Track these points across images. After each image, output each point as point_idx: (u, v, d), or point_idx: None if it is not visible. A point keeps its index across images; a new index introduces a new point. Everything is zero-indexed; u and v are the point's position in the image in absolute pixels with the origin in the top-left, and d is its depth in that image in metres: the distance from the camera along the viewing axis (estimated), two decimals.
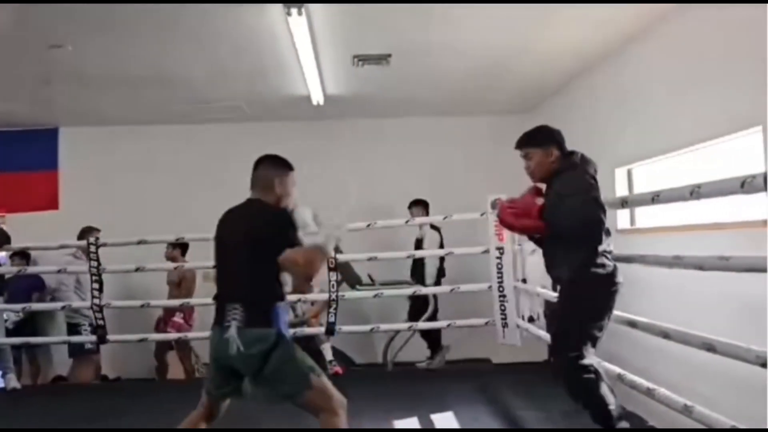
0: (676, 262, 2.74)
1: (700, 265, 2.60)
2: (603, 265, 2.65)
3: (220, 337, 2.44)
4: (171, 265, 5.74)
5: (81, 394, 5.14)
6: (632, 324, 3.19)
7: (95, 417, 4.05)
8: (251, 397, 2.55)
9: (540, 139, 2.88)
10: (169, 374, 6.27)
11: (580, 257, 2.65)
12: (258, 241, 2.47)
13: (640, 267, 3.20)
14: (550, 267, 2.88)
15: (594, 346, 2.68)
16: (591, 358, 2.66)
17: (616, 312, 3.31)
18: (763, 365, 2.23)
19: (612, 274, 2.68)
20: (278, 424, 3.46)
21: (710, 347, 2.53)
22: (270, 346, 2.40)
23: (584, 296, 2.67)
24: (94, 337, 5.19)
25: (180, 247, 5.86)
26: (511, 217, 2.79)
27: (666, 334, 2.86)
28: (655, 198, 2.85)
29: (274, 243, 2.43)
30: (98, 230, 5.42)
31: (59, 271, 5.33)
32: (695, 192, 2.45)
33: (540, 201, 2.74)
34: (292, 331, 5.34)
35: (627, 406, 3.87)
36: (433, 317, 5.66)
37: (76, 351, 5.57)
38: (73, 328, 5.49)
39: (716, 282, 2.88)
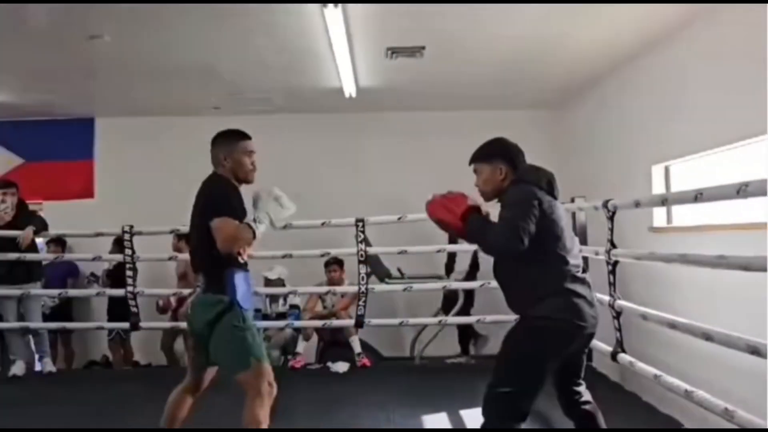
0: (719, 262, 2.66)
1: (746, 265, 2.51)
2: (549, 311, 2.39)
3: (192, 303, 2.67)
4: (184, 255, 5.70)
5: (113, 379, 5.25)
6: (672, 326, 3.12)
7: (127, 401, 4.12)
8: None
9: (487, 154, 2.63)
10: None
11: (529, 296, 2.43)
12: (203, 212, 2.61)
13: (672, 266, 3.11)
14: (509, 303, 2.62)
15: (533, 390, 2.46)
16: (524, 402, 2.43)
17: (654, 312, 3.24)
18: None
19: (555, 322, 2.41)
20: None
21: (755, 350, 2.45)
22: (220, 311, 2.54)
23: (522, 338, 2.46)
24: (127, 324, 5.27)
25: (185, 238, 5.86)
26: (438, 204, 2.64)
27: (708, 336, 2.78)
28: (699, 196, 2.76)
29: (206, 216, 2.57)
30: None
31: (94, 259, 5.44)
32: (742, 190, 2.37)
33: (468, 198, 2.57)
34: (320, 323, 5.44)
35: (663, 408, 3.82)
36: (465, 312, 5.63)
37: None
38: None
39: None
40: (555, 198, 2.47)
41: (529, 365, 2.36)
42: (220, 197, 2.61)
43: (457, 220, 2.52)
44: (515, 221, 2.31)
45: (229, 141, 2.77)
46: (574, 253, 2.45)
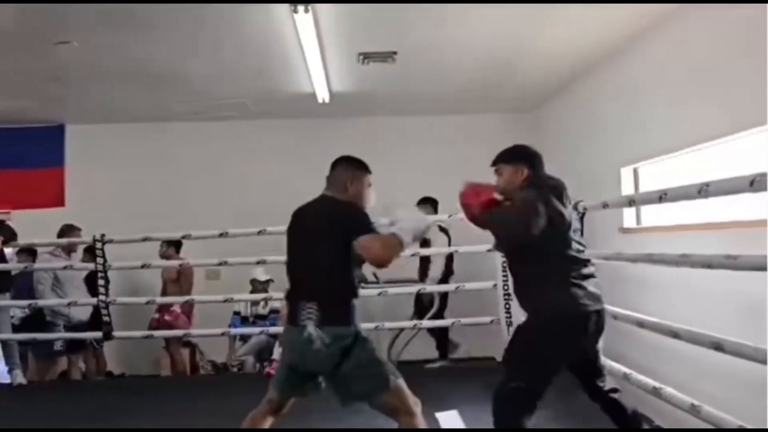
0: (683, 261, 2.72)
1: (708, 263, 2.58)
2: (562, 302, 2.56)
3: (298, 336, 2.41)
4: (176, 262, 5.75)
5: (86, 390, 5.17)
6: (640, 324, 3.18)
7: (99, 414, 4.07)
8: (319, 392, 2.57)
9: (511, 156, 2.81)
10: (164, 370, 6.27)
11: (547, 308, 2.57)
12: (332, 235, 2.44)
13: (647, 266, 3.17)
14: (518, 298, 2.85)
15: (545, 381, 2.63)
16: (535, 393, 2.59)
17: (624, 311, 3.31)
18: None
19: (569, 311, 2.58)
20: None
21: (718, 346, 2.51)
22: (349, 343, 2.40)
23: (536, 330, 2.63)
24: (100, 334, 5.19)
25: (174, 245, 5.87)
26: (471, 192, 2.79)
27: (675, 334, 2.85)
28: (663, 196, 2.83)
29: (347, 235, 2.41)
30: (79, 229, 5.42)
31: (65, 268, 5.36)
32: (703, 190, 2.43)
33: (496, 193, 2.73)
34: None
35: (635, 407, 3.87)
36: (439, 316, 5.65)
37: (42, 353, 5.57)
38: (48, 327, 5.49)
39: (718, 280, 2.86)
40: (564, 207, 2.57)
41: (544, 359, 2.49)
42: (361, 216, 2.50)
43: (481, 204, 2.68)
44: (533, 202, 2.44)
45: (359, 170, 2.72)
46: (581, 250, 2.60)
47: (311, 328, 2.37)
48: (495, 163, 2.87)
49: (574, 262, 2.53)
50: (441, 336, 5.88)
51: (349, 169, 2.70)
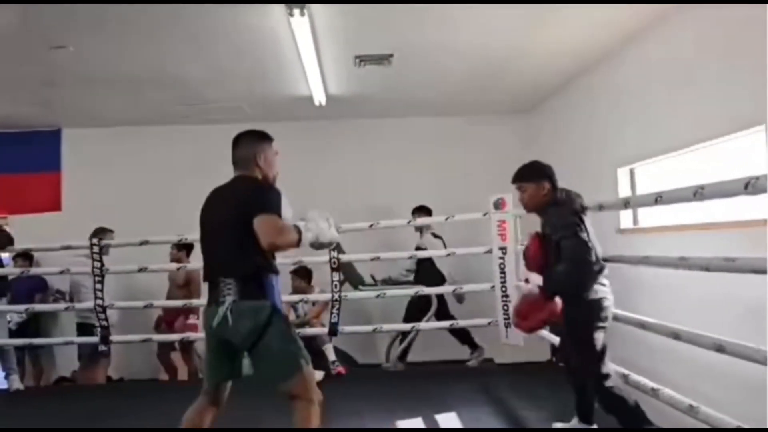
0: (681, 263, 2.73)
1: (706, 266, 2.59)
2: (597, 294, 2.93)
3: (216, 313, 2.45)
4: (173, 265, 5.73)
5: (84, 395, 5.14)
6: (642, 325, 3.18)
7: (97, 418, 4.05)
8: (247, 372, 2.54)
9: (533, 174, 3.09)
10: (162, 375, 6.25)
11: (579, 298, 2.91)
12: (246, 214, 2.43)
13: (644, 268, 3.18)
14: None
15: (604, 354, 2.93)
16: (607, 366, 2.92)
17: (624, 313, 3.32)
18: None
19: (600, 301, 2.93)
20: (278, 424, 3.46)
21: (720, 348, 2.52)
22: (265, 318, 2.42)
23: (586, 319, 2.92)
24: (96, 339, 5.18)
25: (185, 249, 5.85)
26: (526, 322, 3.03)
27: (676, 335, 2.85)
28: (659, 199, 2.84)
29: (249, 213, 2.42)
30: (111, 231, 5.43)
31: (62, 272, 5.34)
32: (699, 193, 2.44)
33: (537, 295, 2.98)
34: (298, 331, 5.40)
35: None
36: (446, 315, 5.65)
37: (88, 352, 5.57)
38: (87, 329, 5.45)
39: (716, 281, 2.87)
40: (585, 214, 3.01)
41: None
42: (263, 196, 2.49)
43: (548, 305, 2.94)
44: (578, 253, 2.85)
45: (263, 141, 2.70)
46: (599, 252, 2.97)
47: (230, 302, 2.43)
48: (517, 180, 3.13)
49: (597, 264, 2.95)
50: (460, 333, 5.81)
51: (254, 143, 2.69)
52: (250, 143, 2.69)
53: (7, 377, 5.10)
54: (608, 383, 2.84)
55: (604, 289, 2.93)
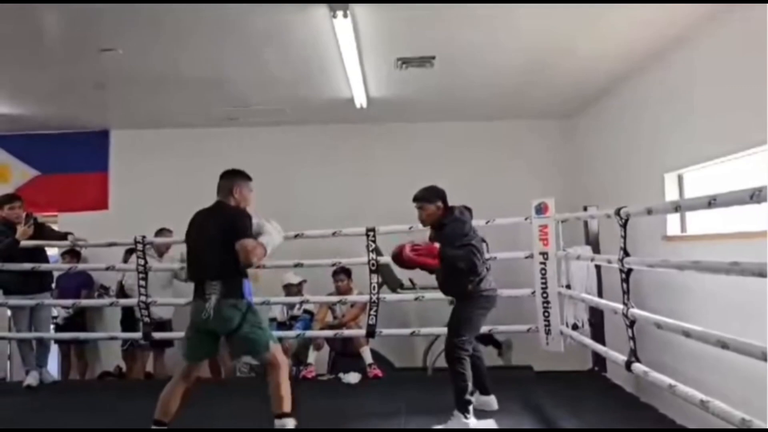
0: (733, 269, 2.62)
1: (761, 272, 2.47)
2: (483, 288, 3.81)
3: (203, 307, 3.24)
4: None
5: (124, 390, 5.25)
6: (686, 334, 3.07)
7: (131, 415, 4.10)
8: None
9: (430, 196, 3.91)
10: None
11: (464, 284, 3.76)
12: (226, 232, 3.25)
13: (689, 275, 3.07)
14: (443, 289, 4.04)
15: (473, 337, 3.89)
16: (469, 345, 3.80)
17: (668, 320, 3.22)
18: None
19: (489, 294, 3.84)
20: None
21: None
22: (243, 312, 3.26)
23: (469, 307, 3.81)
24: (139, 334, 5.29)
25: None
26: (414, 254, 3.70)
27: (723, 344, 2.74)
28: (712, 202, 2.72)
29: (236, 233, 3.23)
30: (170, 231, 5.58)
31: (107, 268, 5.47)
32: (756, 195, 2.34)
33: (437, 245, 3.72)
34: (331, 333, 5.43)
35: (678, 419, 3.76)
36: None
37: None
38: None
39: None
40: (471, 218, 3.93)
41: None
42: (242, 222, 3.31)
43: (436, 260, 3.71)
44: (470, 247, 3.69)
45: (240, 179, 3.55)
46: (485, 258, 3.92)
47: (215, 299, 3.23)
48: (417, 200, 3.94)
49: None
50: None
51: (233, 179, 3.51)
52: (231, 177, 3.54)
53: (27, 373, 5.14)
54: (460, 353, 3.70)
55: (490, 284, 3.82)
